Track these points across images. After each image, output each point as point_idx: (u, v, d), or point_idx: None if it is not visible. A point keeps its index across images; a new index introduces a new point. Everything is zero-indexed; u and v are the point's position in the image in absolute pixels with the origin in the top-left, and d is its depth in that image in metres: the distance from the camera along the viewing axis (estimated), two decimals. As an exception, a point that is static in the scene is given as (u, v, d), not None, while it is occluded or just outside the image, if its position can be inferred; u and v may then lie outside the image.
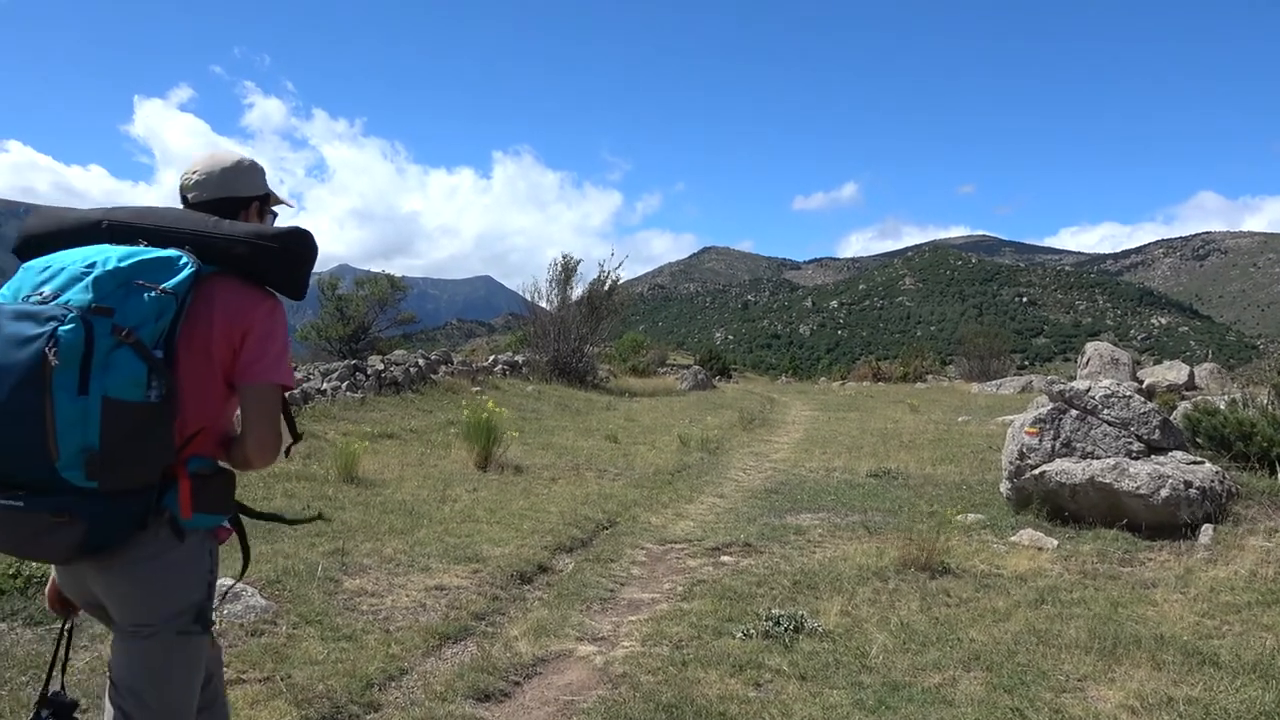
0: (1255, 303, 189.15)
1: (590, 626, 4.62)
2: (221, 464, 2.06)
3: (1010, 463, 7.03)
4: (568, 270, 21.77)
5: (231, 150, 2.26)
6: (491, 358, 20.99)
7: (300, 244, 2.05)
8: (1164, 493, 6.05)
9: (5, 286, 1.91)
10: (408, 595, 4.93)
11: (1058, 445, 6.89)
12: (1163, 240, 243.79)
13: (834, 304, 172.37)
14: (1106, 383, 7.07)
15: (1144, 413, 6.77)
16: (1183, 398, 14.39)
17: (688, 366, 31.59)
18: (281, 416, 2.05)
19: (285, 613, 4.50)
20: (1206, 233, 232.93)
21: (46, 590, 2.21)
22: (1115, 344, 22.54)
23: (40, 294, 1.82)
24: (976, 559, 5.78)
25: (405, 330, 32.29)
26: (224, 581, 4.53)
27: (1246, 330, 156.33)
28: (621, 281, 23.48)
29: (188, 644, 2.00)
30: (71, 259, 1.89)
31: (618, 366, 27.71)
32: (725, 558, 6.03)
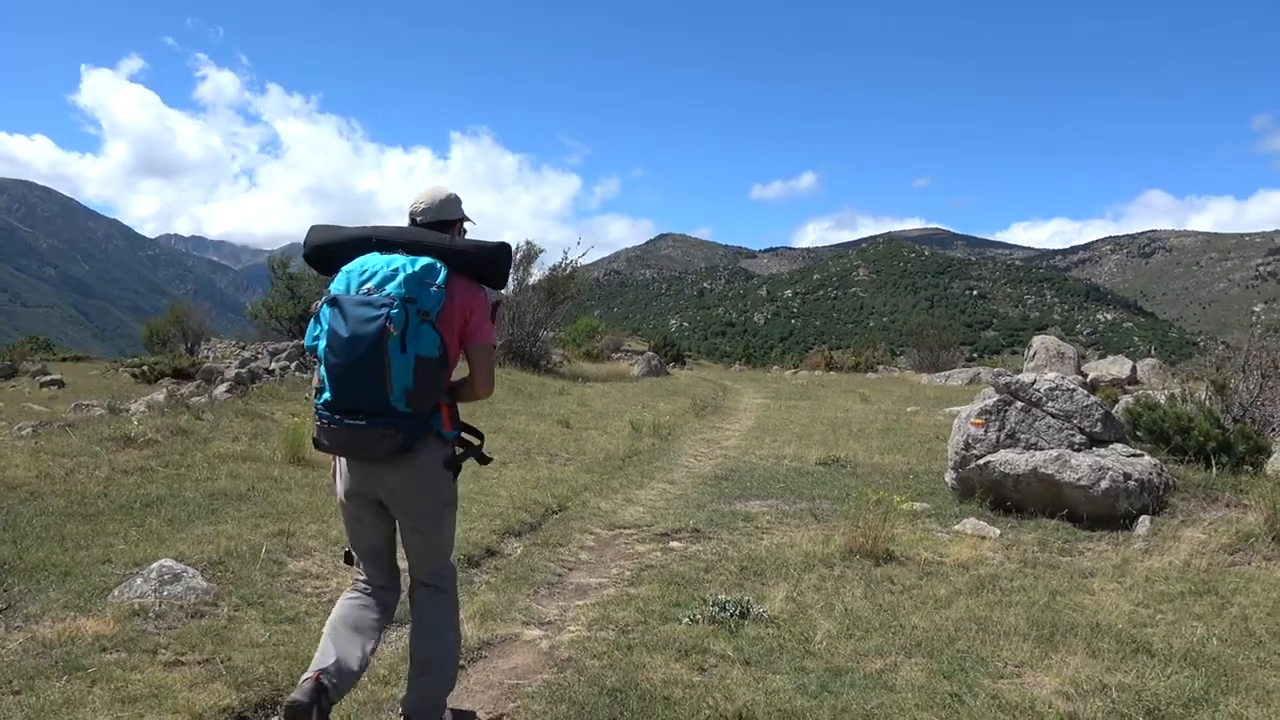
0: (1197, 300, 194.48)
1: (537, 611, 4.61)
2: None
3: (956, 453, 7.14)
4: (528, 256, 21.61)
5: (443, 187, 3.20)
6: (445, 340, 20.88)
7: (505, 254, 3.06)
8: (1104, 484, 6.19)
9: (334, 284, 2.86)
10: (352, 577, 4.86)
11: (1002, 436, 7.02)
12: (1110, 237, 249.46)
13: (789, 293, 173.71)
14: (1051, 376, 7.20)
15: (1087, 406, 6.92)
16: (1125, 392, 14.76)
17: (642, 353, 31.63)
18: (492, 369, 3.08)
19: (227, 594, 4.42)
20: (1153, 231, 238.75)
21: (330, 473, 3.31)
22: (1062, 338, 22.99)
23: (367, 289, 2.78)
24: (920, 547, 5.87)
25: (358, 310, 31.88)
26: (165, 563, 4.47)
27: (1188, 327, 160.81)
28: (581, 268, 23.42)
29: (447, 515, 3.08)
30: (375, 265, 2.85)
31: (572, 351, 27.63)
32: (674, 543, 6.05)
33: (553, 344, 22.74)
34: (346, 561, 3.22)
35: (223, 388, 11.21)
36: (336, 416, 2.82)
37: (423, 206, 3.13)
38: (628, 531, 6.37)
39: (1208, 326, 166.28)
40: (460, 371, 3.02)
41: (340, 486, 3.08)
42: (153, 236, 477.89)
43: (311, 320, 2.89)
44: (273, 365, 12.79)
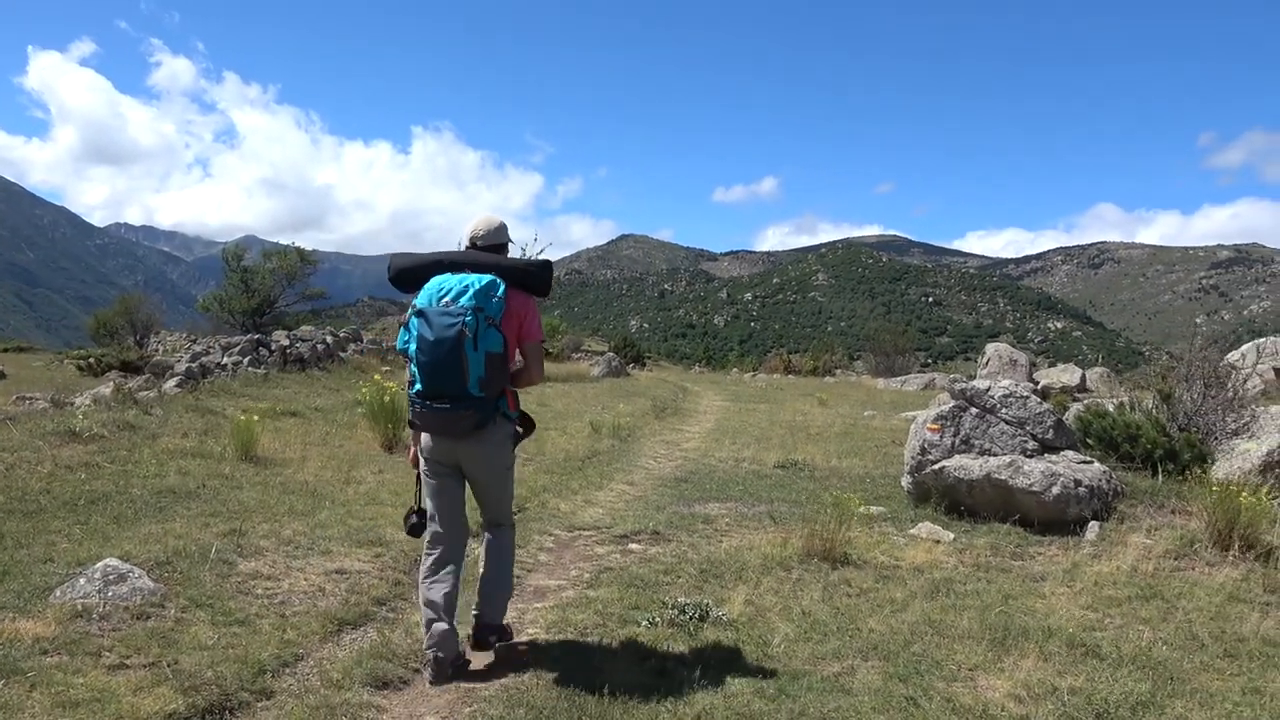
0: (1143, 311, 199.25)
1: (495, 613, 4.56)
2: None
3: (912, 457, 7.22)
4: (484, 251, 21.46)
5: (496, 217, 3.98)
6: (402, 337, 20.63)
7: (548, 269, 3.90)
8: (1055, 490, 6.29)
9: (418, 299, 3.67)
10: (306, 579, 4.78)
11: (957, 442, 7.11)
12: (1061, 248, 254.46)
13: (748, 296, 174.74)
14: (1005, 383, 7.31)
15: (1039, 413, 7.03)
16: (1075, 399, 15.07)
17: (602, 353, 31.57)
18: (542, 360, 3.95)
19: (174, 596, 4.32)
20: (1102, 243, 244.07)
21: (408, 456, 4.15)
22: (1014, 346, 23.40)
23: (444, 302, 3.62)
24: (877, 550, 5.92)
25: (314, 306, 31.39)
26: (110, 563, 4.35)
27: (1135, 337, 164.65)
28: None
29: (508, 476, 3.98)
30: (450, 283, 3.67)
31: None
32: (633, 545, 6.04)
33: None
34: (412, 534, 3.98)
35: (172, 382, 10.97)
36: (427, 402, 3.68)
37: (482, 232, 3.95)
38: (587, 533, 6.34)
39: (1153, 337, 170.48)
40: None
41: (424, 459, 3.91)
42: (102, 225, 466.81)
43: (401, 328, 3.82)
44: (225, 360, 12.54)
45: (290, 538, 5.44)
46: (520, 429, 3.94)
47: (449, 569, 3.88)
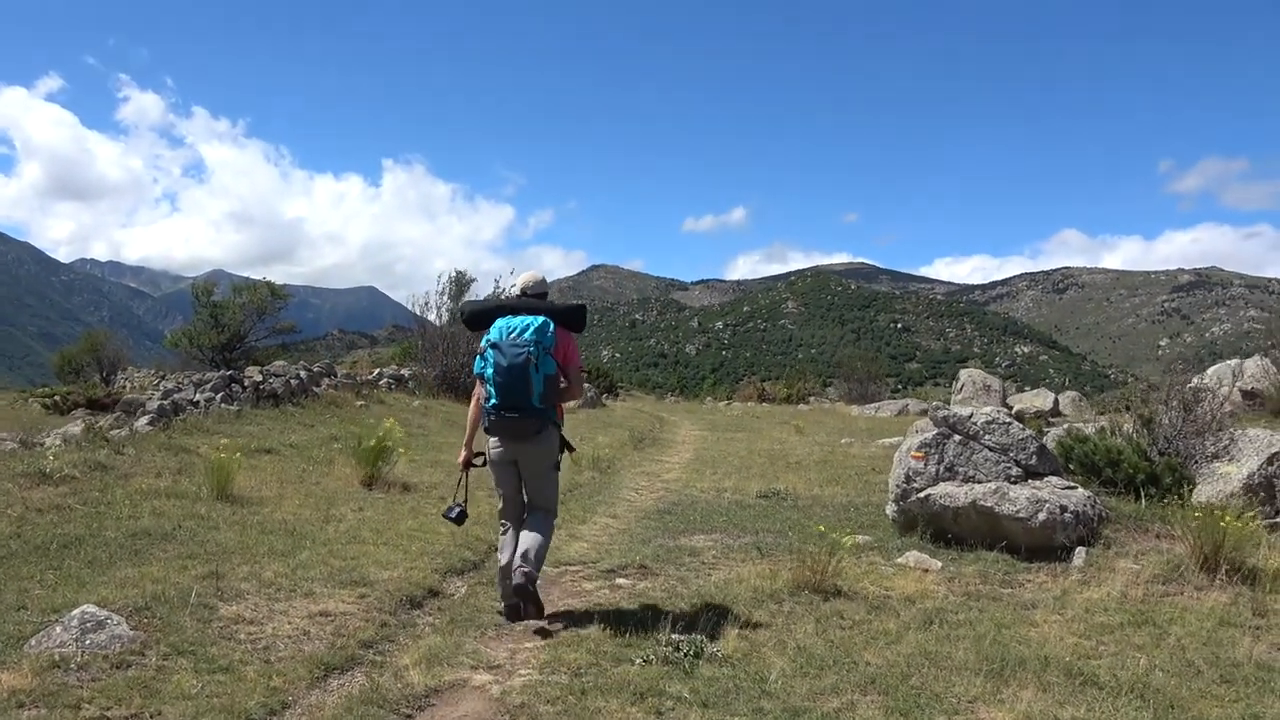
0: (1108, 335, 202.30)
1: (485, 654, 4.47)
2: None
3: (897, 485, 7.22)
4: (460, 285, 21.34)
5: (538, 272, 5.18)
6: (376, 371, 20.39)
7: (584, 311, 5.11)
8: (1041, 516, 6.31)
9: (490, 335, 4.80)
10: (290, 622, 4.66)
11: (941, 469, 7.11)
12: (1026, 274, 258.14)
13: (719, 324, 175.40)
14: (988, 410, 7.35)
15: (1022, 439, 7.07)
16: (1049, 423, 15.18)
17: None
18: (583, 382, 5.34)
19: (154, 643, 4.19)
20: (1066, 268, 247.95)
21: (460, 458, 5.20)
22: (978, 369, 23.62)
23: (513, 337, 4.73)
24: (866, 581, 5.89)
25: (283, 340, 31.02)
26: (87, 610, 4.21)
27: (1100, 360, 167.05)
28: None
29: (554, 474, 5.04)
30: (516, 323, 4.80)
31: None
32: (621, 580, 5.96)
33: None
34: (456, 522, 5.17)
35: (144, 420, 10.76)
36: (502, 413, 4.81)
37: (531, 284, 5.15)
38: (573, 568, 6.26)
39: (1118, 360, 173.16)
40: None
41: (491, 458, 5.02)
42: (67, 261, 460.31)
43: (478, 357, 4.96)
44: (197, 397, 12.33)
45: (271, 580, 5.31)
46: (567, 441, 5.14)
47: (512, 535, 5.06)
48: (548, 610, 5.05)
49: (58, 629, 4.14)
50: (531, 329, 4.77)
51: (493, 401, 4.80)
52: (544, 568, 6.24)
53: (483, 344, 4.88)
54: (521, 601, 4.82)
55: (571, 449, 5.19)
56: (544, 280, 5.19)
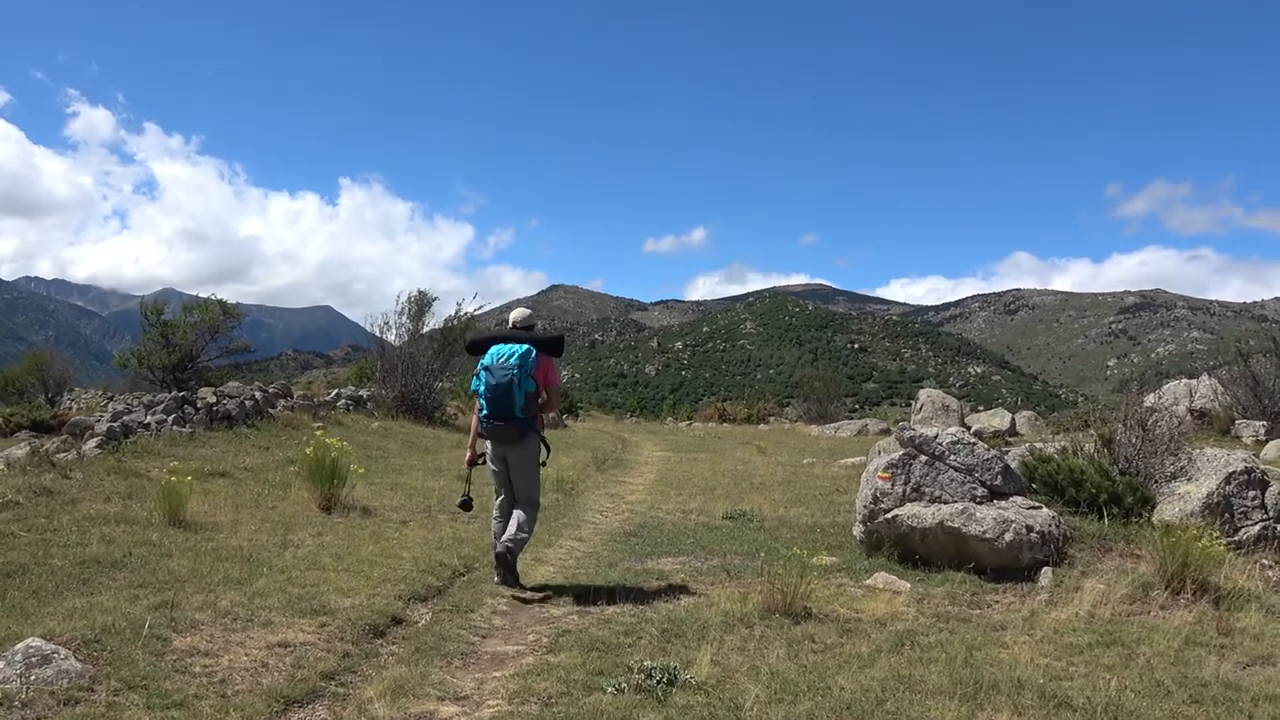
0: (1058, 355, 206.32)
1: (452, 684, 4.34)
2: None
3: (864, 506, 7.21)
4: (421, 305, 21.08)
5: (526, 309, 6.47)
6: (334, 392, 20.03)
7: (562, 340, 6.42)
8: (1008, 537, 6.33)
9: (484, 359, 6.06)
10: (247, 654, 4.49)
11: (908, 490, 7.12)
12: (979, 295, 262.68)
13: (679, 345, 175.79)
14: (953, 430, 7.38)
15: (987, 459, 7.10)
16: (1007, 443, 15.35)
17: (537, 404, 31.14)
18: (560, 397, 6.88)
19: (104, 677, 4.00)
20: (1017, 290, 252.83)
21: (466, 458, 6.59)
22: (936, 389, 23.88)
23: (501, 361, 5.97)
24: (836, 603, 5.85)
25: (236, 360, 30.40)
26: (32, 643, 4.02)
27: (1051, 380, 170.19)
28: (477, 315, 23.04)
29: (537, 469, 6.29)
30: (504, 350, 6.04)
31: (466, 403, 27.08)
32: (590, 605, 5.85)
33: (447, 395, 22.17)
34: (463, 509, 6.52)
35: (92, 443, 10.41)
36: (492, 421, 6.02)
37: (520, 320, 6.40)
38: (541, 593, 6.14)
39: (1068, 379, 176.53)
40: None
41: (488, 458, 6.29)
42: (10, 279, 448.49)
43: (475, 377, 6.16)
44: (148, 419, 11.97)
45: (227, 609, 5.12)
46: (545, 444, 6.34)
47: (503, 519, 6.29)
48: (515, 643, 4.95)
49: (0, 664, 3.93)
50: (516, 355, 6.00)
51: (485, 412, 6.07)
52: (508, 592, 6.16)
53: (478, 366, 6.09)
54: (501, 570, 6.10)
55: (548, 449, 6.39)
56: (531, 314, 6.53)
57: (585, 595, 6.06)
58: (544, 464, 6.36)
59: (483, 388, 6.04)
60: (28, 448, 9.74)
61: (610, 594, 6.08)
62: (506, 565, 6.05)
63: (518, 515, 6.14)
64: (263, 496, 8.97)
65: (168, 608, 5.01)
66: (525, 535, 6.16)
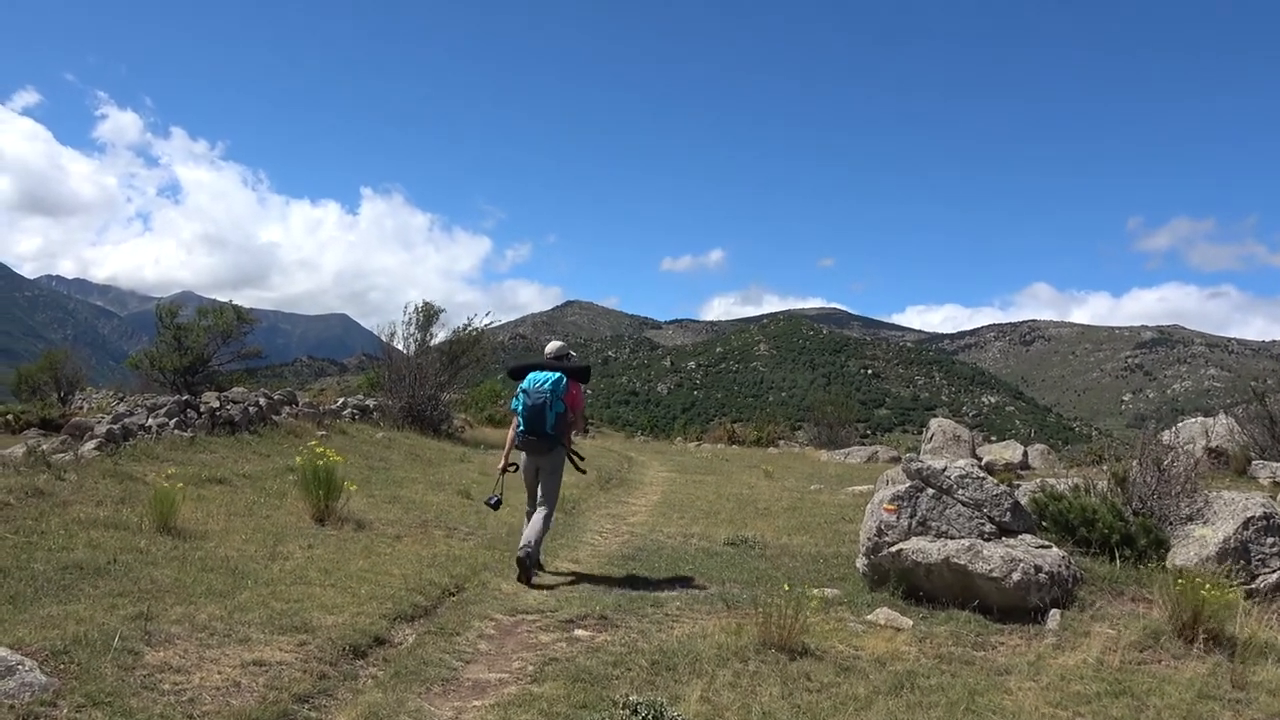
0: (1073, 388, 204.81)
1: (429, 712, 4.18)
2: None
3: (868, 539, 7.01)
4: (429, 316, 20.98)
5: (560, 342, 7.81)
6: (341, 400, 19.96)
7: (589, 369, 7.78)
8: (1016, 576, 6.12)
9: (523, 384, 7.29)
10: (220, 672, 4.34)
11: (914, 523, 6.93)
12: (994, 325, 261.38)
13: (692, 364, 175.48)
14: (962, 463, 7.18)
15: (996, 495, 6.90)
16: (1018, 476, 15.08)
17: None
18: (584, 419, 9.01)
19: (69, 692, 3.86)
20: (1033, 320, 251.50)
21: (499, 466, 7.62)
22: (954, 420, 23.58)
23: (537, 387, 7.20)
24: (835, 639, 5.66)
25: (249, 365, 30.40)
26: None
27: (1065, 412, 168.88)
28: (488, 329, 22.94)
29: (560, 477, 7.47)
30: (540, 376, 7.27)
31: (474, 416, 26.97)
32: (580, 632, 5.68)
33: (454, 408, 22.05)
34: (493, 508, 7.50)
35: (91, 444, 10.32)
36: (527, 436, 7.17)
37: (554, 352, 7.63)
38: (530, 618, 5.97)
39: (1082, 413, 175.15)
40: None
41: (523, 464, 7.39)
42: (32, 277, 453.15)
43: (514, 398, 7.33)
44: (149, 421, 11.89)
45: (205, 623, 4.98)
46: (575, 455, 7.50)
47: (532, 521, 7.22)
48: (499, 670, 4.78)
49: (-38, 675, 3.80)
50: (550, 382, 7.18)
51: (521, 428, 7.22)
52: (499, 616, 5.98)
53: (518, 390, 7.30)
54: (520, 568, 6.95)
55: (581, 457, 7.59)
56: (564, 346, 7.77)
57: (576, 620, 5.89)
58: (583, 471, 7.72)
59: (520, 407, 7.19)
60: (24, 447, 9.65)
61: (602, 620, 5.90)
62: (522, 565, 6.94)
63: (535, 524, 7.14)
64: (257, 505, 8.84)
65: (144, 619, 4.86)
66: (542, 529, 7.17)
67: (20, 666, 3.93)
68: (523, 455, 7.35)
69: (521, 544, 7.02)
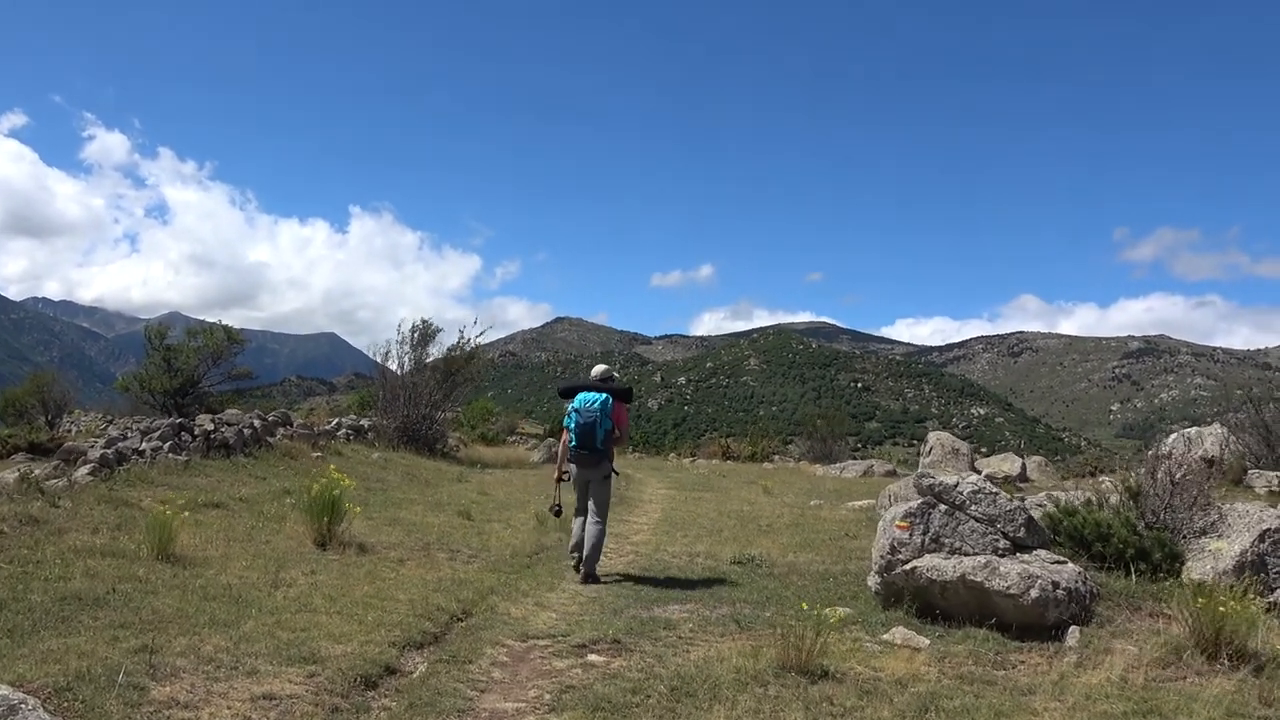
0: (1061, 398, 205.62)
1: (447, 745, 4.05)
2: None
3: (881, 556, 6.91)
4: (425, 334, 20.85)
5: (604, 365, 8.78)
6: (335, 420, 19.78)
7: (631, 391, 8.91)
8: (1034, 593, 6.04)
9: (574, 403, 8.12)
10: (229, 706, 4.21)
11: (927, 540, 6.84)
12: (982, 336, 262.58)
13: (682, 380, 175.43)
14: (974, 478, 7.11)
15: (1010, 510, 6.82)
16: (1018, 489, 15.03)
17: (538, 436, 30.92)
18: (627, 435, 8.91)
19: (73, 731, 3.72)
20: (1021, 332, 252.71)
21: (555, 476, 8.66)
22: (948, 432, 23.53)
23: (587, 405, 8.03)
24: (853, 660, 5.55)
25: (239, 386, 30.14)
26: (0, 691, 3.73)
27: (1053, 423, 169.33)
28: (480, 347, 22.80)
29: (609, 484, 8.36)
30: (590, 396, 8.10)
31: (467, 434, 26.79)
32: (593, 657, 5.56)
33: (449, 426, 21.88)
34: (556, 515, 8.60)
35: (85, 470, 10.16)
36: (579, 450, 8.01)
37: (600, 374, 8.49)
38: (542, 643, 5.84)
39: (1071, 423, 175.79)
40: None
41: (574, 476, 8.17)
42: (18, 299, 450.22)
43: (566, 416, 8.11)
44: (143, 445, 11.73)
45: (211, 655, 4.84)
46: (615, 470, 8.25)
47: (582, 527, 8.09)
48: (515, 699, 4.67)
49: (-37, 715, 3.65)
50: (599, 402, 7.96)
51: (574, 444, 8.02)
52: (510, 641, 5.85)
53: (569, 409, 8.03)
54: (584, 576, 7.88)
55: (616, 473, 8.36)
56: (608, 369, 8.63)
57: (589, 645, 5.77)
58: (616, 473, 8.38)
59: (573, 425, 7.98)
60: (17, 473, 9.48)
61: (615, 645, 5.79)
62: (589, 579, 7.82)
63: (590, 537, 7.95)
64: (256, 530, 8.69)
65: (148, 652, 4.72)
66: (598, 543, 7.99)
67: (23, 705, 3.78)
68: (573, 467, 8.14)
69: (583, 564, 7.94)
